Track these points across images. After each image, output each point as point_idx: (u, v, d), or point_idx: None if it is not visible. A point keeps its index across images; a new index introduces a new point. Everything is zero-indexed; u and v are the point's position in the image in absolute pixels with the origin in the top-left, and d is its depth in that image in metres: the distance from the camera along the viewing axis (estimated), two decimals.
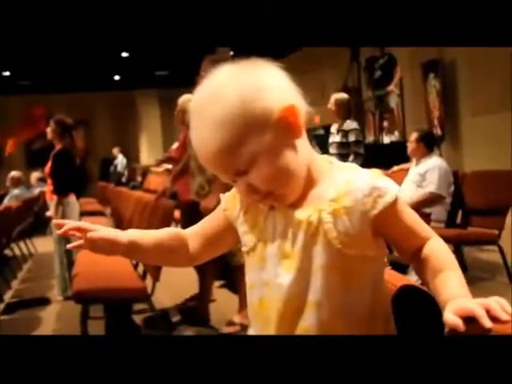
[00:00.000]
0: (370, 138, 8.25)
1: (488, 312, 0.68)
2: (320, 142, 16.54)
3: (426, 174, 3.97)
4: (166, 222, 2.89)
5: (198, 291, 3.55)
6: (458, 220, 4.19)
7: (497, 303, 0.69)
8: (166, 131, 20.14)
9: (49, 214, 4.54)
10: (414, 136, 4.18)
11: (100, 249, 0.91)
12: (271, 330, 0.84)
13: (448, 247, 0.84)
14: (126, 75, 17.18)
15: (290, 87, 0.84)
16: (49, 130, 4.48)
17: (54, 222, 0.96)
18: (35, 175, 9.01)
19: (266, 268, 0.85)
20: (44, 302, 4.27)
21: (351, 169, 0.85)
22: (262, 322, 0.86)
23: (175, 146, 9.57)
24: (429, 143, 4.16)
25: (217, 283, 3.97)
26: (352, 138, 4.74)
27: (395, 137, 7.69)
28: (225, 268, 3.57)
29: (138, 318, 3.49)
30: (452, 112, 10.50)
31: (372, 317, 0.83)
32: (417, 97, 8.29)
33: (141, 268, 3.39)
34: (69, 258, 4.30)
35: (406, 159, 4.65)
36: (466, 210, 4.13)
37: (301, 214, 0.82)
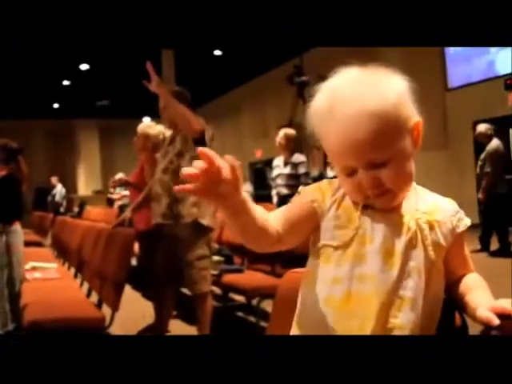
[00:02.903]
0: (314, 172, 8.48)
1: None
2: (259, 174, 16.53)
3: None
4: (126, 249, 2.82)
5: (152, 322, 3.46)
6: None
7: None
8: (105, 162, 19.74)
9: None
10: None
11: (218, 192, 0.76)
12: (364, 325, 0.85)
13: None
14: (66, 104, 16.79)
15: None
16: None
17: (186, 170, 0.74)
18: None
19: (365, 263, 0.88)
20: None
21: (433, 193, 0.96)
22: (347, 316, 0.86)
23: (119, 176, 9.29)
24: None
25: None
26: (302, 170, 5.03)
27: None
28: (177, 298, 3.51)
29: None
30: None
31: (434, 321, 0.89)
32: None
33: (94, 297, 3.27)
34: (11, 289, 4.05)
35: None
36: None
37: (401, 219, 0.89)
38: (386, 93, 0.85)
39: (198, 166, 0.74)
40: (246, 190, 11.98)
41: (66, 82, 14.83)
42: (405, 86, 0.89)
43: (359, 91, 0.86)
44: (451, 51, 10.27)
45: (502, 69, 9.27)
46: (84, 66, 13.40)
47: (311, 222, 0.94)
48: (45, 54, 11.87)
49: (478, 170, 6.76)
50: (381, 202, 0.89)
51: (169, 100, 2.84)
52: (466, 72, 9.93)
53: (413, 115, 0.88)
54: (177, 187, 0.76)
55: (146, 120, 17.62)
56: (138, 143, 3.80)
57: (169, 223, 3.00)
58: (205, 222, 2.99)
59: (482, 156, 6.63)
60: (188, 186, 0.75)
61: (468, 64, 9.93)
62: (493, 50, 9.49)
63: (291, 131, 5.31)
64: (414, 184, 0.95)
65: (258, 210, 0.87)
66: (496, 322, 0.76)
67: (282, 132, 5.19)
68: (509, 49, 9.20)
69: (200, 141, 2.89)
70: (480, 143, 7.15)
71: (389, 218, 0.89)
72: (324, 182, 0.97)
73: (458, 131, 10.05)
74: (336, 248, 0.90)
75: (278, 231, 0.91)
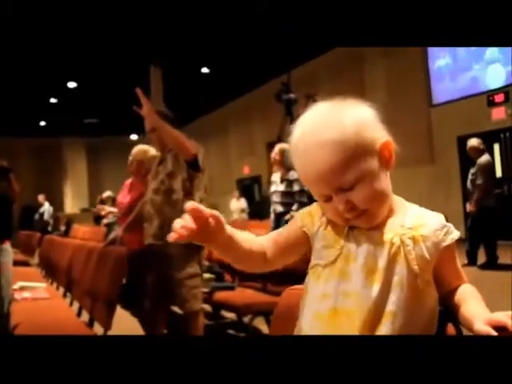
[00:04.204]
0: (305, 187, 8.54)
1: None
2: (247, 189, 16.57)
3: None
4: (119, 268, 2.81)
5: None
6: None
7: None
8: (93, 180, 19.65)
9: None
10: None
11: (203, 234, 0.89)
12: None
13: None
14: (53, 121, 16.73)
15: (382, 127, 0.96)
16: None
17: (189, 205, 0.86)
18: None
19: (349, 280, 0.92)
20: None
21: (420, 207, 0.99)
22: (333, 331, 0.90)
23: (107, 194, 9.19)
24: None
25: None
26: (296, 187, 4.84)
27: None
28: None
29: None
30: None
31: (430, 331, 0.92)
32: None
33: (85, 317, 3.25)
34: None
35: None
36: None
37: (384, 236, 0.93)
38: (342, 121, 0.91)
39: (188, 221, 0.87)
40: (241, 207, 11.96)
41: (53, 100, 14.81)
42: (368, 113, 0.95)
43: (318, 123, 0.93)
44: (435, 68, 10.46)
45: (486, 85, 9.46)
46: (71, 84, 13.40)
47: (302, 246, 1.02)
48: (32, 71, 11.86)
49: (468, 183, 6.82)
50: (361, 223, 0.94)
51: (160, 124, 2.84)
52: (450, 88, 10.12)
53: (379, 137, 0.93)
54: (171, 238, 0.87)
55: (134, 137, 17.53)
56: (131, 167, 3.80)
57: (160, 244, 3.00)
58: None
59: (473, 170, 6.69)
60: (183, 235, 0.87)
61: (452, 80, 10.12)
62: (476, 66, 9.69)
63: (286, 146, 5.27)
64: (401, 200, 1.00)
65: (244, 239, 0.98)
66: (494, 335, 0.79)
67: (277, 147, 5.12)
68: (492, 65, 9.40)
69: (193, 163, 2.90)
70: (466, 158, 7.25)
71: (372, 237, 0.93)
72: (314, 205, 1.03)
73: (442, 146, 10.20)
74: (324, 267, 0.96)
75: (266, 255, 1.01)
